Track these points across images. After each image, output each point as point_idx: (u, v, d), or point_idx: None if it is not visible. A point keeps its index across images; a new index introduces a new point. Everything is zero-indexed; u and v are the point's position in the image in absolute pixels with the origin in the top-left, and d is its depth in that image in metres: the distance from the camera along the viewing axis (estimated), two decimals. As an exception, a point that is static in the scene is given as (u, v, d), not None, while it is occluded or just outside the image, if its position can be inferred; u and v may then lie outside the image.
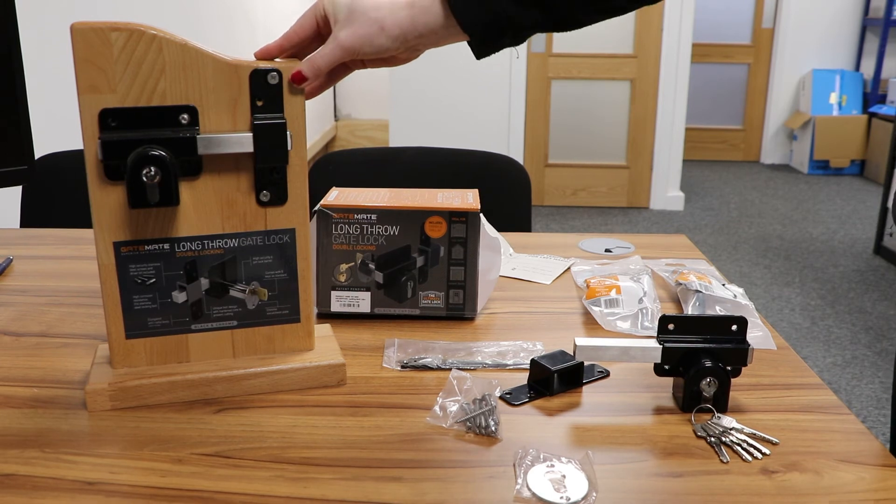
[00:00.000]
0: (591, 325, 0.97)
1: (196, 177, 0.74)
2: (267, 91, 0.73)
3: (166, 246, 0.75)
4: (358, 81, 6.03)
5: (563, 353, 0.82)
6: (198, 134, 0.72)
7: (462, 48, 0.75)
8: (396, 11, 0.72)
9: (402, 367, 0.85)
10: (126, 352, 0.77)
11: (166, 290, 0.77)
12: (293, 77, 0.73)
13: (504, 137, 4.71)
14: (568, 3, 0.72)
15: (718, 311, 0.96)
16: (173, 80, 0.71)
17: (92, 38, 0.68)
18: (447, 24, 0.72)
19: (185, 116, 0.72)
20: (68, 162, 1.53)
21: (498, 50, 0.75)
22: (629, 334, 0.94)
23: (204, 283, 0.78)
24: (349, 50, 0.73)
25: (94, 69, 0.69)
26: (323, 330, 0.87)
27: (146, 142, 0.71)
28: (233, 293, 0.79)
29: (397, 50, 0.74)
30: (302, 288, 0.81)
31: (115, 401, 0.75)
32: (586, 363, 0.84)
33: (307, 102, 0.74)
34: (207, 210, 0.76)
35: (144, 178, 0.70)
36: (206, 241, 0.77)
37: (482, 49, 0.74)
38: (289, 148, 0.75)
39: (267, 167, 0.75)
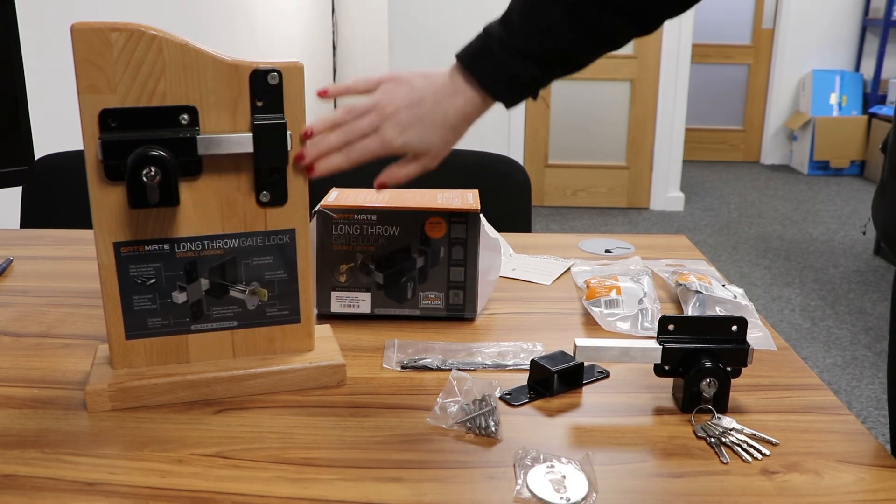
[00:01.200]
0: (591, 325, 0.97)
1: (196, 177, 0.74)
2: (267, 91, 0.73)
3: (166, 246, 0.75)
4: (358, 82, 6.02)
5: (563, 354, 0.82)
6: (198, 134, 0.72)
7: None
8: (459, 126, 0.80)
9: (402, 367, 0.85)
10: (126, 352, 0.77)
11: (166, 291, 0.77)
12: (380, 183, 0.82)
13: (504, 138, 4.71)
14: (584, 53, 0.78)
15: (718, 311, 0.96)
16: (173, 81, 0.71)
17: (92, 38, 0.68)
18: (486, 104, 0.80)
19: (185, 117, 0.72)
20: (68, 162, 1.53)
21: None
22: (629, 335, 0.94)
23: (204, 283, 0.78)
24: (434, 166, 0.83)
25: (94, 69, 0.69)
26: (323, 330, 0.87)
27: (146, 142, 0.71)
28: (233, 294, 0.79)
29: None
30: (302, 288, 0.81)
31: (115, 401, 0.75)
32: (586, 364, 0.84)
33: (307, 102, 0.74)
34: (207, 210, 0.76)
35: (144, 179, 0.70)
36: (206, 242, 0.77)
37: (511, 104, 0.81)
38: (289, 148, 0.75)
39: (267, 167, 0.75)
